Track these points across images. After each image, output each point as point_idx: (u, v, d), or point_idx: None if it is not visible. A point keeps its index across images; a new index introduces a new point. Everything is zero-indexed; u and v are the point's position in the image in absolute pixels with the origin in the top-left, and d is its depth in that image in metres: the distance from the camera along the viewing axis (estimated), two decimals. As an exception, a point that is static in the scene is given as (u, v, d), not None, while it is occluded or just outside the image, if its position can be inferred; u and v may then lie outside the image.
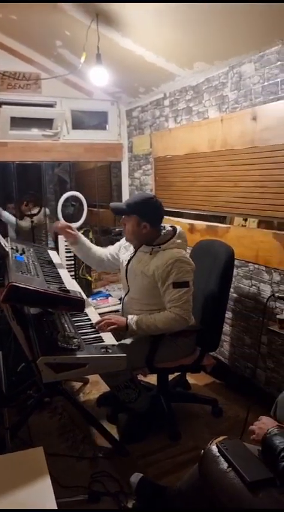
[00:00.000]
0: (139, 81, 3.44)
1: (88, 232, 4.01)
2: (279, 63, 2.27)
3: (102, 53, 2.75)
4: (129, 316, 2.20)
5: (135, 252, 2.34)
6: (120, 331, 2.19)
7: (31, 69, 3.58)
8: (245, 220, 3.26)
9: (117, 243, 2.59)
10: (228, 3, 2.03)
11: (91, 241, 3.99)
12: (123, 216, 2.30)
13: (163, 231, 2.30)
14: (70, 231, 2.54)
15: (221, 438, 1.40)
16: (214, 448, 1.36)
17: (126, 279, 2.38)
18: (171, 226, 2.34)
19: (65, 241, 2.73)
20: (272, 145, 2.36)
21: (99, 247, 2.67)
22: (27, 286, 1.76)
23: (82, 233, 3.96)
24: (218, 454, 1.32)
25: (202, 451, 1.40)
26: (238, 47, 2.43)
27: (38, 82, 3.62)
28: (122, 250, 2.50)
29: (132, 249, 2.39)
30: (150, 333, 2.20)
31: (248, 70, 2.50)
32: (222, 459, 1.30)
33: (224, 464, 1.28)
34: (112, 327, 2.11)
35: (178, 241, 2.26)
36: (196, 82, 3.00)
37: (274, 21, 2.10)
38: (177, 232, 2.29)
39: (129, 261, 2.36)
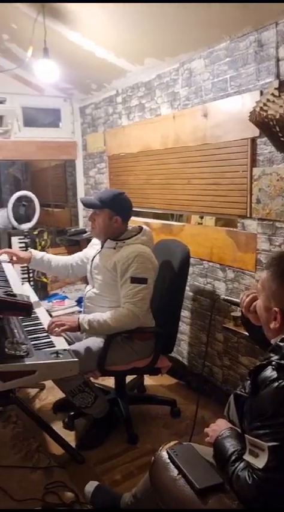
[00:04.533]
0: (90, 77, 3.36)
1: (43, 233, 3.91)
2: (227, 59, 2.26)
3: (51, 47, 2.66)
4: (80, 316, 2.14)
5: (101, 248, 2.34)
6: (72, 332, 2.13)
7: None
8: (202, 218, 3.25)
9: (88, 245, 2.54)
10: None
11: (46, 243, 3.91)
12: (94, 211, 2.27)
13: (130, 228, 2.32)
14: (15, 255, 2.50)
15: (172, 443, 1.36)
16: (164, 454, 1.32)
17: (91, 274, 2.36)
18: (139, 226, 2.35)
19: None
20: (223, 142, 2.35)
21: (61, 257, 2.60)
22: None
23: (37, 234, 3.87)
24: (168, 460, 1.28)
25: (153, 458, 1.36)
26: (188, 43, 2.40)
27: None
28: (91, 249, 2.49)
29: (98, 246, 2.38)
30: (103, 332, 2.14)
31: (198, 66, 2.48)
32: (172, 466, 1.26)
33: (174, 472, 1.24)
34: (63, 328, 2.04)
35: (143, 237, 2.26)
36: (147, 78, 2.96)
37: (221, 18, 2.08)
38: (143, 230, 2.31)
39: (94, 257, 2.35)
